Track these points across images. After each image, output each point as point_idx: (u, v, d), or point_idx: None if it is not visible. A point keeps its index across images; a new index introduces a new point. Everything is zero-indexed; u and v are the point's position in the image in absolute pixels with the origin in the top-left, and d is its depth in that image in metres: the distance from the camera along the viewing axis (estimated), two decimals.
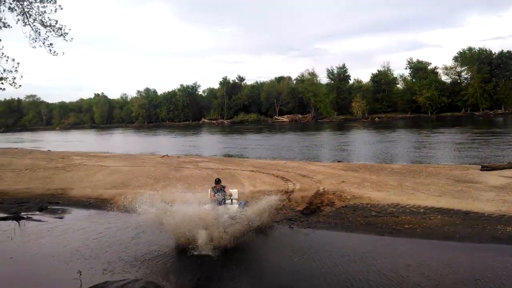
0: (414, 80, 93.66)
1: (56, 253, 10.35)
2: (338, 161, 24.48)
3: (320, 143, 41.42)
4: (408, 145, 34.95)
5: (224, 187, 11.97)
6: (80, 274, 8.39)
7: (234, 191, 12.54)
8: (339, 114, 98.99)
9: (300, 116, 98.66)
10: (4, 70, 8.63)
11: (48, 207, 16.15)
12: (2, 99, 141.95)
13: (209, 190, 12.08)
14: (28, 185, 19.69)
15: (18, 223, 14.02)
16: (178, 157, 28.23)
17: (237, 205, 11.59)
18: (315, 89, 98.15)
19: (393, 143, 37.85)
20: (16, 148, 43.73)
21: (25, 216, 14.71)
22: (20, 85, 9.15)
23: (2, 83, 8.51)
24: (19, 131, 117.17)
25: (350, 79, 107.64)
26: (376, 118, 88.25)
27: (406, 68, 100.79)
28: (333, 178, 16.92)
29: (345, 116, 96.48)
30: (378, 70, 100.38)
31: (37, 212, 15.40)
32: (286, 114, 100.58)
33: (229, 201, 11.87)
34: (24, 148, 44.92)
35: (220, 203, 11.32)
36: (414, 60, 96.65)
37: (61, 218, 14.72)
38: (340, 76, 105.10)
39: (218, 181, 11.95)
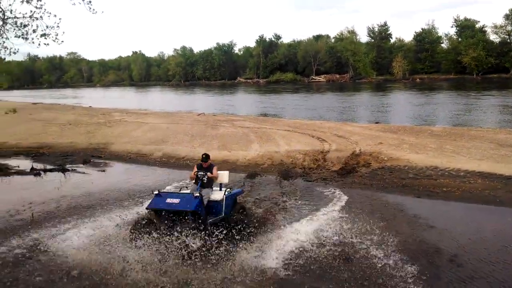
0: (460, 39, 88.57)
1: (99, 203, 10.88)
2: (376, 123, 24.00)
3: (357, 104, 40.59)
4: (450, 107, 33.68)
5: (212, 166, 9.04)
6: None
7: (224, 173, 9.53)
8: (378, 74, 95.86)
9: (337, 76, 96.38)
10: (47, 26, 8.78)
11: (91, 160, 16.85)
12: (45, 56, 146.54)
13: (194, 166, 9.26)
14: (72, 139, 20.53)
15: (64, 174, 14.74)
16: (214, 115, 28.51)
17: (222, 193, 8.73)
18: (354, 48, 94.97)
19: (434, 105, 36.57)
20: (59, 104, 45.41)
21: (69, 169, 15.43)
22: (62, 41, 9.36)
23: (45, 38, 8.66)
24: (62, 88, 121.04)
25: (391, 38, 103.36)
26: (418, 79, 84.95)
27: (452, 27, 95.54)
28: (370, 140, 16.66)
29: (385, 77, 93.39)
30: (422, 29, 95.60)
31: (81, 165, 16.12)
32: (323, 74, 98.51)
33: (217, 187, 9.30)
34: (67, 104, 46.55)
35: (202, 185, 8.65)
36: (461, 17, 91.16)
37: (103, 171, 15.36)
38: (381, 35, 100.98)
39: (205, 158, 8.90)
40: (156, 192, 8.13)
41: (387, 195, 11.26)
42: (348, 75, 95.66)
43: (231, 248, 7.34)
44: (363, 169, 13.43)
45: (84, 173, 14.94)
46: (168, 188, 11.68)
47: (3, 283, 6.18)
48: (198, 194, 7.79)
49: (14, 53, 9.71)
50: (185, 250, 6.99)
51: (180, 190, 9.02)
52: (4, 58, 10.04)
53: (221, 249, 7.19)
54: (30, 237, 8.50)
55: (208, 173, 8.78)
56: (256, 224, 8.45)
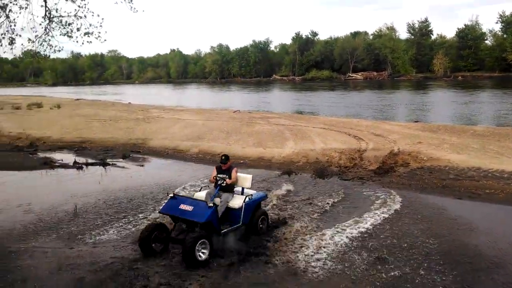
0: (505, 35, 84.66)
1: (136, 198, 11.17)
2: (415, 121, 23.39)
3: (395, 102, 39.66)
4: (494, 106, 32.33)
5: (232, 168, 8.31)
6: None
7: (246, 177, 8.64)
8: (418, 72, 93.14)
9: (375, 73, 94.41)
10: (90, 25, 9.08)
11: (130, 155, 17.33)
12: (87, 54, 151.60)
13: (214, 168, 8.53)
14: (112, 134, 21.19)
15: (105, 168, 15.24)
16: (250, 112, 28.64)
17: (242, 200, 8.01)
18: (393, 44, 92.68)
19: (477, 104, 35.22)
20: (100, 100, 46.91)
21: (110, 163, 15.94)
22: (105, 39, 9.62)
23: (88, 37, 8.96)
24: (103, 84, 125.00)
25: (432, 34, 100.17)
26: (460, 77, 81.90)
27: (496, 23, 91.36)
28: (409, 139, 16.27)
29: (425, 74, 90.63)
30: (465, 25, 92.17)
31: (121, 159, 16.61)
32: (360, 71, 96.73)
33: (239, 189, 8.63)
34: (107, 100, 48.02)
35: (222, 189, 8.10)
36: (507, 13, 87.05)
37: (142, 165, 15.76)
38: (421, 31, 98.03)
39: (225, 160, 8.22)
40: (171, 194, 7.69)
41: (427, 196, 10.95)
42: (386, 73, 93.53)
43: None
44: (401, 168, 13.13)
45: (123, 167, 15.39)
46: (191, 185, 11.89)
47: (44, 273, 6.47)
48: (212, 204, 7.25)
49: (59, 50, 10.04)
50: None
51: (200, 190, 8.67)
52: (49, 56, 10.41)
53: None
54: (73, 229, 8.86)
55: (227, 179, 8.06)
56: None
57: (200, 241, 6.77)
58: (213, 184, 8.24)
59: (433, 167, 12.89)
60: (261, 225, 8.26)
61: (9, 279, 6.09)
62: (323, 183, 12.43)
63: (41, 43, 9.53)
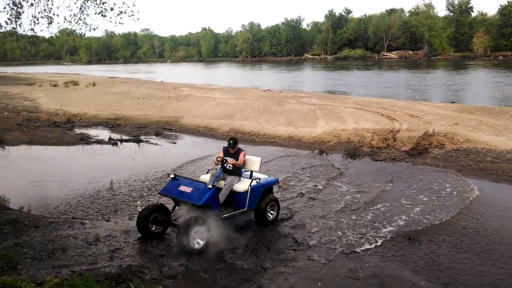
0: None
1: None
2: (452, 102, 22.63)
3: (432, 82, 38.40)
4: None
5: (240, 152, 7.68)
6: None
7: (254, 160, 8.00)
8: (456, 51, 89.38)
9: (410, 52, 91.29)
10: (124, 3, 9.14)
11: (163, 132, 17.65)
12: (121, 33, 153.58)
13: (221, 150, 7.97)
14: (146, 112, 21.58)
15: (138, 145, 15.60)
16: (280, 91, 28.44)
17: (248, 183, 7.51)
18: (431, 22, 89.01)
19: None
20: (133, 79, 47.64)
21: (143, 140, 16.29)
22: (138, 18, 9.67)
23: (121, 18, 9.02)
24: (135, 63, 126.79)
25: (473, 11, 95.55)
26: (500, 56, 78.11)
27: None
28: (444, 120, 15.79)
29: (463, 53, 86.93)
30: (508, 1, 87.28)
31: (154, 137, 16.95)
32: (395, 50, 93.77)
33: (247, 173, 8.08)
34: (140, 78, 48.73)
35: (227, 172, 7.65)
36: None
37: (174, 143, 16.03)
38: (461, 8, 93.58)
39: (233, 144, 7.62)
40: (173, 175, 7.34)
41: (462, 178, 10.66)
42: (422, 52, 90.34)
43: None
44: (436, 150, 12.82)
45: (156, 144, 15.71)
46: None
47: (83, 244, 6.74)
48: (211, 186, 6.83)
49: (94, 29, 10.21)
50: None
51: (207, 172, 8.06)
52: (85, 34, 10.58)
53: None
54: (109, 202, 9.18)
55: (229, 160, 7.55)
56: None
57: (195, 229, 6.42)
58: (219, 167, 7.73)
59: (470, 149, 12.52)
60: (270, 213, 7.77)
61: (50, 248, 6.38)
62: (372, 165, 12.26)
63: (77, 22, 9.71)
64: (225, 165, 7.58)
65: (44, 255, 6.14)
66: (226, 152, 7.77)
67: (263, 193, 7.68)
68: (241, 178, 7.76)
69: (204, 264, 6.27)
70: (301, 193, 9.69)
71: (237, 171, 7.72)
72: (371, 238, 7.20)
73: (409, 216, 8.14)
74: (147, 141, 16.11)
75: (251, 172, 8.00)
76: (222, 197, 7.23)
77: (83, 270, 5.68)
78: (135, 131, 18.02)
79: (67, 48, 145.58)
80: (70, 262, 5.99)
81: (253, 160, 7.99)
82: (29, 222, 7.39)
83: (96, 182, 10.60)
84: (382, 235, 7.32)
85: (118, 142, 15.86)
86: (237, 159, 7.61)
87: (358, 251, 6.74)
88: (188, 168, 11.97)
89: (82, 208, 8.82)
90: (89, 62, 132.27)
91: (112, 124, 19.72)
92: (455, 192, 9.47)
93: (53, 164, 12.76)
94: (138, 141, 16.08)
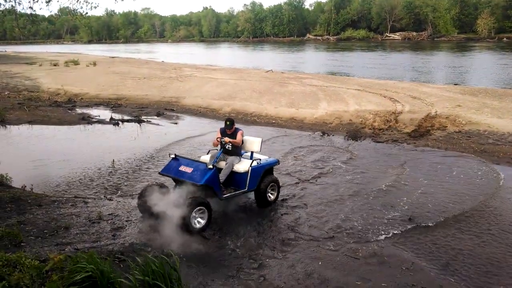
0: None
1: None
2: (455, 84, 22.52)
3: (435, 64, 38.09)
4: None
5: (237, 131, 7.65)
6: None
7: (255, 140, 7.98)
8: (460, 32, 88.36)
9: (414, 33, 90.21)
10: None
11: (164, 113, 17.61)
12: (121, 12, 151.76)
13: (218, 131, 7.91)
14: (147, 92, 21.49)
15: (140, 125, 15.59)
16: (282, 72, 28.24)
17: (248, 163, 7.50)
18: (435, 3, 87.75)
19: None
20: (134, 58, 47.28)
21: (145, 120, 16.26)
22: None
23: None
24: (136, 42, 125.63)
25: None
26: (505, 38, 77.21)
27: None
28: (447, 102, 15.72)
29: (467, 35, 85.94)
30: None
31: (155, 117, 16.93)
32: (398, 32, 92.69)
33: (247, 154, 8.07)
34: (141, 58, 48.36)
35: (227, 152, 7.64)
36: None
37: (176, 123, 16.01)
38: None
39: (229, 125, 7.58)
40: (173, 155, 7.33)
41: (463, 160, 10.66)
42: (426, 33, 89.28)
43: None
44: (438, 132, 12.80)
45: (158, 124, 15.69)
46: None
47: (85, 222, 6.80)
48: (211, 166, 6.82)
49: (95, 7, 10.10)
50: None
51: (208, 153, 7.99)
52: (86, 13, 10.44)
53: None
54: (111, 181, 9.22)
55: (226, 138, 7.48)
56: None
57: (197, 208, 6.50)
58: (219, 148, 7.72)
59: (472, 131, 12.50)
60: (270, 194, 7.80)
61: (53, 226, 6.44)
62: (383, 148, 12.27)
63: (78, 0, 9.59)
64: (224, 145, 7.57)
65: (47, 233, 6.20)
66: (223, 133, 7.73)
67: (263, 173, 7.68)
68: (242, 159, 7.75)
69: (205, 243, 6.34)
70: (302, 175, 9.71)
71: (237, 152, 7.70)
72: (373, 219, 7.25)
73: (412, 199, 8.17)
74: (148, 122, 16.08)
75: (252, 152, 7.98)
76: (222, 177, 7.24)
77: (86, 247, 5.75)
78: (136, 111, 17.97)
79: (67, 27, 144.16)
80: (73, 240, 6.06)
81: (253, 141, 7.96)
82: (32, 200, 7.44)
83: (98, 162, 10.62)
84: (386, 216, 7.37)
85: (120, 122, 15.84)
86: (235, 139, 7.58)
87: (358, 231, 6.79)
88: (188, 148, 11.97)
89: (84, 187, 8.87)
90: (90, 42, 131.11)
91: (113, 104, 19.67)
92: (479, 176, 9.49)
93: (54, 144, 12.76)
94: (140, 121, 16.05)
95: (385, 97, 17.20)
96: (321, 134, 13.47)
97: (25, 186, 8.49)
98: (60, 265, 4.68)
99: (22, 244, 5.69)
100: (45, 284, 4.43)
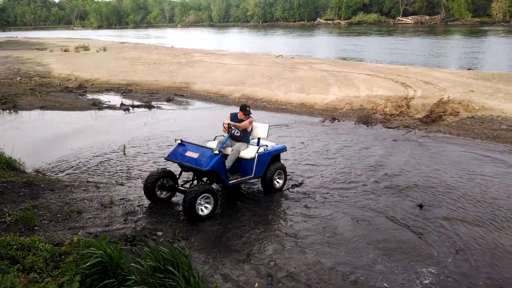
0: None
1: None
2: (468, 69, 22.13)
3: (448, 49, 37.45)
4: None
5: (249, 115, 7.64)
6: None
7: (262, 126, 7.92)
8: (474, 16, 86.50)
9: (427, 17, 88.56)
10: None
11: (174, 98, 17.63)
12: None
13: (228, 116, 7.87)
14: (157, 77, 21.50)
15: (150, 110, 15.64)
16: (292, 57, 28.00)
17: (255, 150, 7.43)
18: None
19: None
20: (143, 44, 47.19)
21: (155, 105, 16.30)
22: None
23: None
24: (146, 28, 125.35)
25: None
26: None
27: None
28: (460, 87, 15.48)
29: (481, 19, 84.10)
30: None
31: (165, 102, 16.95)
32: (411, 15, 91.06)
33: (255, 140, 7.99)
34: (151, 44, 48.26)
35: (234, 138, 7.60)
36: None
37: (186, 109, 16.03)
38: None
39: (244, 108, 7.62)
40: (179, 141, 7.19)
41: (477, 146, 10.53)
42: (439, 17, 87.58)
43: None
44: (451, 117, 12.64)
45: (168, 110, 15.72)
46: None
47: (98, 206, 6.89)
48: (217, 152, 6.69)
49: None
50: None
51: (215, 139, 7.83)
52: None
53: None
54: (123, 166, 9.30)
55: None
56: None
57: (203, 195, 6.43)
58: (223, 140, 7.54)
59: (485, 117, 12.33)
60: (277, 181, 7.75)
61: (66, 210, 6.53)
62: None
63: None
64: (232, 131, 7.51)
65: (60, 217, 6.30)
66: (234, 118, 7.69)
67: (270, 160, 7.63)
68: (249, 145, 7.69)
69: (215, 227, 6.39)
70: (311, 159, 9.69)
71: (244, 138, 7.64)
72: (378, 200, 7.23)
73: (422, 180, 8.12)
74: (158, 107, 16.12)
75: (259, 139, 7.91)
76: (229, 163, 7.20)
77: (98, 231, 5.83)
78: (146, 96, 18.01)
79: (77, 12, 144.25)
80: (86, 224, 6.15)
81: (260, 127, 7.89)
82: (44, 185, 7.54)
83: (109, 147, 10.71)
84: (391, 198, 7.35)
85: (130, 108, 15.90)
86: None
87: (365, 214, 6.78)
88: (197, 133, 11.99)
89: (96, 172, 8.95)
90: (99, 27, 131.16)
91: (124, 89, 19.73)
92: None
93: (66, 129, 12.88)
94: (150, 106, 16.10)
95: (396, 82, 17.00)
96: (331, 120, 13.36)
97: (38, 171, 8.61)
98: (74, 249, 4.76)
99: (36, 228, 5.79)
100: (59, 266, 4.52)
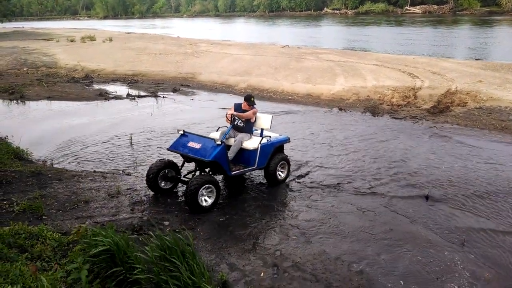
0: None
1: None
2: (476, 59, 21.89)
3: (456, 39, 37.00)
4: None
5: (253, 106, 7.62)
6: None
7: (265, 117, 7.80)
8: (483, 5, 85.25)
9: (435, 7, 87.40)
10: None
11: (180, 88, 17.63)
12: None
13: (232, 107, 7.84)
14: (163, 68, 21.48)
15: (156, 101, 15.66)
16: (299, 48, 27.82)
17: (258, 141, 7.38)
18: None
19: None
20: (149, 34, 47.08)
21: (161, 96, 16.32)
22: None
23: None
24: (151, 18, 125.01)
25: None
26: None
27: None
28: (468, 77, 15.33)
29: (490, 8, 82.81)
30: None
31: (171, 93, 16.96)
32: (418, 5, 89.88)
33: (258, 131, 7.88)
34: (157, 34, 48.13)
35: (237, 129, 7.54)
36: None
37: (192, 99, 16.02)
38: None
39: (248, 99, 7.57)
40: (182, 132, 7.08)
41: (483, 137, 10.45)
42: (447, 6, 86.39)
43: None
44: (458, 108, 12.54)
45: (174, 100, 15.73)
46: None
47: (105, 196, 6.94)
48: (220, 142, 6.68)
49: None
50: None
51: (218, 130, 7.82)
52: None
53: None
54: (129, 156, 9.34)
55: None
56: None
57: (205, 186, 6.39)
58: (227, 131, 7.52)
59: (493, 107, 12.22)
60: (280, 172, 7.67)
61: (73, 199, 6.59)
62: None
63: None
64: (236, 121, 7.46)
65: (68, 206, 6.35)
66: (237, 109, 7.62)
67: (273, 151, 7.57)
68: (252, 136, 7.63)
69: (221, 217, 6.41)
70: (317, 150, 9.67)
71: (247, 129, 7.58)
72: (384, 188, 7.22)
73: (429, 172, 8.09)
74: (164, 97, 16.13)
75: (262, 130, 7.81)
76: (231, 154, 7.17)
77: (105, 221, 5.88)
78: (152, 87, 18.03)
79: (83, 2, 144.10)
80: (93, 214, 6.20)
81: (264, 118, 7.78)
82: (52, 175, 7.60)
83: (116, 137, 10.76)
84: (398, 190, 7.33)
85: (136, 98, 15.93)
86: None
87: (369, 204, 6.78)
88: (203, 123, 11.99)
89: (103, 162, 9.01)
90: (105, 17, 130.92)
91: (130, 80, 19.75)
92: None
93: (73, 120, 12.94)
94: (156, 97, 16.12)
95: (404, 72, 16.86)
96: (338, 111, 13.33)
97: (46, 161, 8.67)
98: (81, 237, 4.80)
99: (43, 217, 5.85)
100: (67, 255, 4.57)
